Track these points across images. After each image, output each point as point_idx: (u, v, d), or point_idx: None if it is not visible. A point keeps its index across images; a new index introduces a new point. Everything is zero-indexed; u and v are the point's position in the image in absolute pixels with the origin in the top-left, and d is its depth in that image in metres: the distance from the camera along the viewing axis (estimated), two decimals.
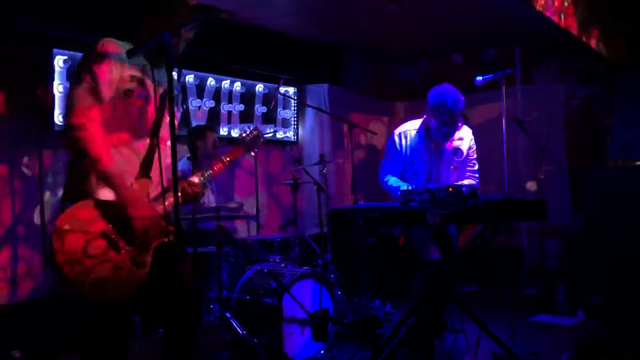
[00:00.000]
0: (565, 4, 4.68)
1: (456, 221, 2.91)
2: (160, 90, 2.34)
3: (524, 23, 4.63)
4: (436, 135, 3.68)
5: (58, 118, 4.08)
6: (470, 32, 6.07)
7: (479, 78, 3.61)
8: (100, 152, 2.13)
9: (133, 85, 2.23)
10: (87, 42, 4.22)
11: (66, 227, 2.10)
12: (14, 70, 3.98)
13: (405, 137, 3.77)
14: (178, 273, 1.86)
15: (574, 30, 4.90)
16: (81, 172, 2.19)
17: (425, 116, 3.75)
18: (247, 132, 2.73)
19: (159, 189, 2.28)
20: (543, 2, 4.23)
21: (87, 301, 2.21)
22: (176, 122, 2.40)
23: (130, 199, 2.17)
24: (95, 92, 2.16)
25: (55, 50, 4.07)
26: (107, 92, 2.18)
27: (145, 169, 2.31)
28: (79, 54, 4.13)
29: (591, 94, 6.15)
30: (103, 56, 2.18)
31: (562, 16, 4.60)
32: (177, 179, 1.78)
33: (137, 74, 2.25)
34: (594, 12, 5.40)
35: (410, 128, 3.80)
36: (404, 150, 3.74)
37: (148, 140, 2.32)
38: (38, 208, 4.08)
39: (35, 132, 4.07)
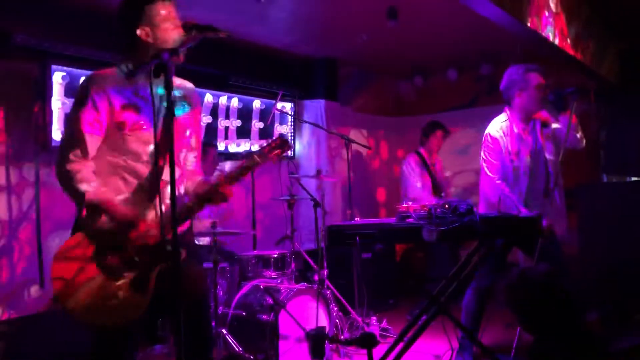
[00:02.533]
0: (560, 20, 4.74)
1: (452, 238, 2.93)
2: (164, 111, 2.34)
3: (519, 40, 4.68)
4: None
5: (56, 134, 4.09)
6: (466, 48, 6.14)
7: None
8: (82, 176, 2.15)
9: (126, 116, 2.23)
10: (88, 58, 4.29)
11: (65, 255, 2.12)
12: (12, 85, 4.00)
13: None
14: (187, 293, 1.85)
15: (569, 47, 4.95)
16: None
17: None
18: (272, 141, 2.62)
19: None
20: (537, 20, 4.28)
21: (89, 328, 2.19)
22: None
23: (125, 218, 2.16)
24: (81, 135, 2.19)
25: (53, 67, 4.08)
26: (90, 135, 2.21)
27: (149, 194, 2.29)
28: (78, 70, 4.18)
29: (585, 110, 6.20)
30: (86, 100, 2.21)
31: (556, 33, 4.66)
32: (175, 196, 1.78)
33: (131, 100, 2.24)
34: (588, 29, 5.47)
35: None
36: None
37: (151, 165, 2.28)
38: (35, 223, 4.08)
39: (32, 148, 4.07)
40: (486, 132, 3.75)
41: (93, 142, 2.21)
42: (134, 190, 2.25)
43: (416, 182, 5.47)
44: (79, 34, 4.23)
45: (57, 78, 4.10)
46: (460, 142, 6.73)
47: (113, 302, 2.11)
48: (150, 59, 1.77)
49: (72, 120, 2.24)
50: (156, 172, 2.23)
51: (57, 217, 4.16)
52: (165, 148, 2.00)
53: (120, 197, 2.22)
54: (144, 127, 2.24)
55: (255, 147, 5.47)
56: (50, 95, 4.07)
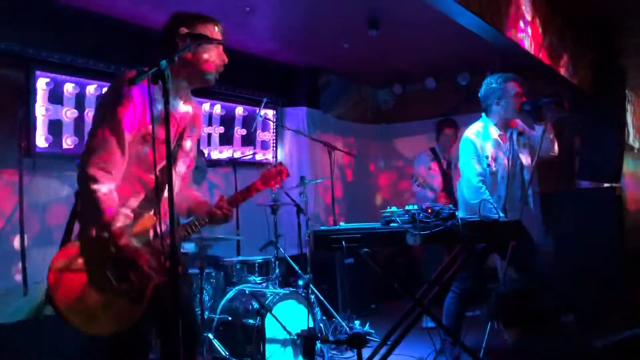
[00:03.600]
0: (536, 31, 4.89)
1: (435, 242, 3.01)
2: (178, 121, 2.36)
3: (496, 49, 4.81)
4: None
5: (40, 140, 4.08)
6: (444, 58, 6.27)
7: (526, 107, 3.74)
8: (105, 206, 2.09)
9: (152, 128, 2.16)
10: (71, 65, 4.29)
11: (62, 264, 2.13)
12: None
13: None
14: (180, 305, 1.88)
15: (544, 57, 5.11)
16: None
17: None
18: (270, 167, 2.70)
19: (165, 222, 2.23)
20: (514, 29, 4.42)
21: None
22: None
23: (126, 252, 2.13)
24: (118, 136, 2.13)
25: (37, 73, 4.08)
26: (127, 137, 2.15)
27: (152, 206, 2.30)
28: (62, 77, 4.18)
29: (561, 118, 6.37)
30: (129, 99, 2.14)
31: (532, 43, 4.80)
32: (172, 201, 1.82)
33: (157, 113, 2.18)
34: (563, 39, 5.64)
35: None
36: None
37: (157, 174, 2.23)
38: (18, 230, 4.05)
39: (15, 154, 4.05)
40: (464, 136, 3.85)
41: (123, 148, 2.15)
42: (140, 202, 2.26)
43: (427, 168, 5.65)
44: (63, 40, 4.23)
45: (41, 84, 4.10)
46: None
47: (108, 311, 2.13)
48: (149, 67, 1.80)
49: (105, 121, 2.14)
50: (161, 186, 2.22)
51: (40, 224, 4.15)
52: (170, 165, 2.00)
53: (127, 211, 2.21)
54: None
55: (238, 154, 5.58)
56: (34, 102, 4.06)
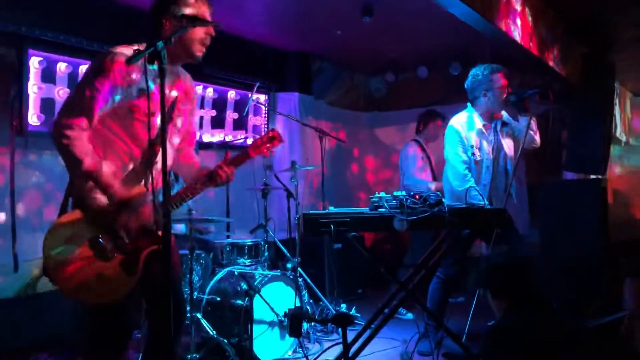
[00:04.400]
0: (526, 22, 4.94)
1: (422, 227, 3.08)
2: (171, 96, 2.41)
3: (487, 39, 4.85)
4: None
5: (32, 119, 4.09)
6: (436, 47, 6.30)
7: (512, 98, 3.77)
8: (83, 155, 2.16)
9: (140, 101, 2.25)
10: (64, 44, 4.29)
11: (56, 234, 2.18)
12: None
13: None
14: (170, 277, 1.93)
15: (534, 48, 5.16)
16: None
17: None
18: (264, 135, 2.72)
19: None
20: (505, 20, 4.46)
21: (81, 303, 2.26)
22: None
23: (122, 198, 2.21)
24: (90, 106, 2.20)
25: (30, 51, 4.08)
26: (98, 107, 2.21)
27: (141, 177, 2.34)
28: (55, 56, 4.19)
29: (549, 110, 6.45)
30: (107, 71, 2.19)
31: (523, 35, 4.85)
32: (168, 183, 1.87)
33: (145, 86, 2.22)
34: (554, 32, 5.69)
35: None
36: None
37: (147, 149, 2.32)
38: (9, 209, 4.07)
39: (7, 133, 4.07)
40: (449, 125, 3.91)
41: (100, 115, 2.22)
42: (128, 173, 2.32)
43: (421, 166, 5.45)
44: (56, 19, 4.23)
45: (34, 63, 4.10)
46: None
47: (102, 281, 2.19)
48: (146, 47, 1.84)
49: (87, 86, 2.21)
50: (151, 158, 2.30)
51: (32, 203, 4.17)
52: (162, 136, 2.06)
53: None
54: (153, 114, 2.24)
55: (230, 138, 5.61)
56: (27, 80, 4.06)
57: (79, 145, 2.16)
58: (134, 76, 2.23)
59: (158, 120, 2.22)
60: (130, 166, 2.32)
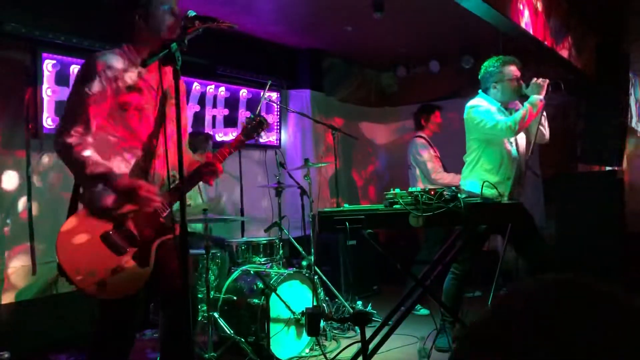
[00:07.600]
0: (540, 14, 4.89)
1: (437, 224, 3.05)
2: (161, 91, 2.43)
3: (500, 32, 4.82)
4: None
5: (47, 121, 4.13)
6: (448, 40, 6.27)
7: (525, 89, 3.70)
8: (85, 157, 2.19)
9: (131, 97, 2.29)
10: (77, 47, 4.31)
11: (68, 234, 2.20)
12: (2, 74, 4.01)
13: None
14: (182, 269, 1.95)
15: (548, 40, 5.11)
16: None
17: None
18: (251, 119, 2.72)
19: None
20: (517, 13, 4.42)
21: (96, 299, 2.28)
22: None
23: (125, 187, 2.22)
24: (84, 111, 2.23)
25: (44, 55, 4.12)
26: (92, 111, 2.24)
27: (142, 171, 2.37)
28: (68, 59, 4.21)
29: (563, 102, 6.38)
30: (93, 74, 2.24)
31: (536, 26, 4.80)
32: (184, 179, 1.88)
33: (136, 82, 2.31)
34: (567, 23, 5.63)
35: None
36: None
37: (146, 143, 2.37)
38: (26, 211, 4.11)
39: (23, 135, 4.10)
40: (470, 107, 3.76)
41: (96, 119, 2.25)
42: (132, 167, 2.35)
43: (438, 169, 5.32)
44: (69, 22, 4.26)
45: (48, 66, 4.14)
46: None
47: (118, 275, 2.22)
48: (159, 50, 1.85)
49: (77, 95, 2.26)
50: (151, 151, 2.34)
51: (48, 205, 4.20)
52: (161, 130, 2.08)
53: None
54: (146, 109, 2.31)
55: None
56: (41, 83, 4.10)
57: (80, 149, 2.20)
58: (119, 74, 2.28)
59: (150, 113, 2.31)
60: (133, 161, 2.36)
